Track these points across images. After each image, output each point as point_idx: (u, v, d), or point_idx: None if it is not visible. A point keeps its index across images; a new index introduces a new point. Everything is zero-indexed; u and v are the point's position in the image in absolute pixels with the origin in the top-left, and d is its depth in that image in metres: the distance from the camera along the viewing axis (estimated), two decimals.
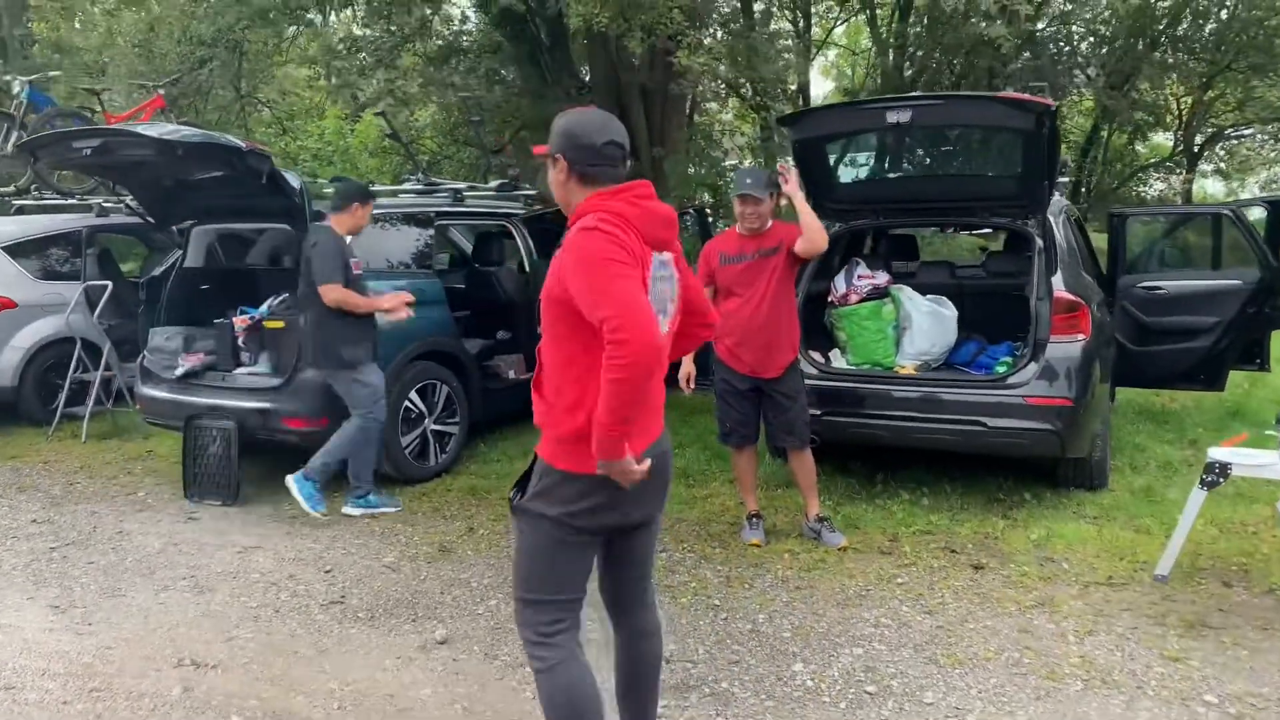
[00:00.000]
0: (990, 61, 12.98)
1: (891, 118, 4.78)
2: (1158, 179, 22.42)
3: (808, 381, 5.15)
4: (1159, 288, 6.05)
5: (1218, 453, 4.13)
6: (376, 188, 7.05)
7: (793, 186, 4.60)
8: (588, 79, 13.11)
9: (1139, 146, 22.12)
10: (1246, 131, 19.90)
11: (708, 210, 7.39)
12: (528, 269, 7.12)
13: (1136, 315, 6.08)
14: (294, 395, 5.52)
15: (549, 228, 7.13)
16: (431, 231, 6.46)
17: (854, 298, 5.78)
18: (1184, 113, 19.25)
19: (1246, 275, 5.84)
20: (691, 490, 5.70)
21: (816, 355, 5.58)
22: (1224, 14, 15.17)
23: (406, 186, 7.32)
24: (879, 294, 5.80)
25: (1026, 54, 15.67)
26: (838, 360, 5.76)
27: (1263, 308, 5.78)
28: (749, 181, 4.66)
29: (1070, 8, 15.23)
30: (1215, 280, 5.98)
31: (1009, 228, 5.64)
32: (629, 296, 2.14)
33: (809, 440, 4.85)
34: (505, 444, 6.75)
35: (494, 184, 7.47)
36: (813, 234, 4.58)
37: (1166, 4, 14.71)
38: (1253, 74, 15.86)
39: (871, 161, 5.80)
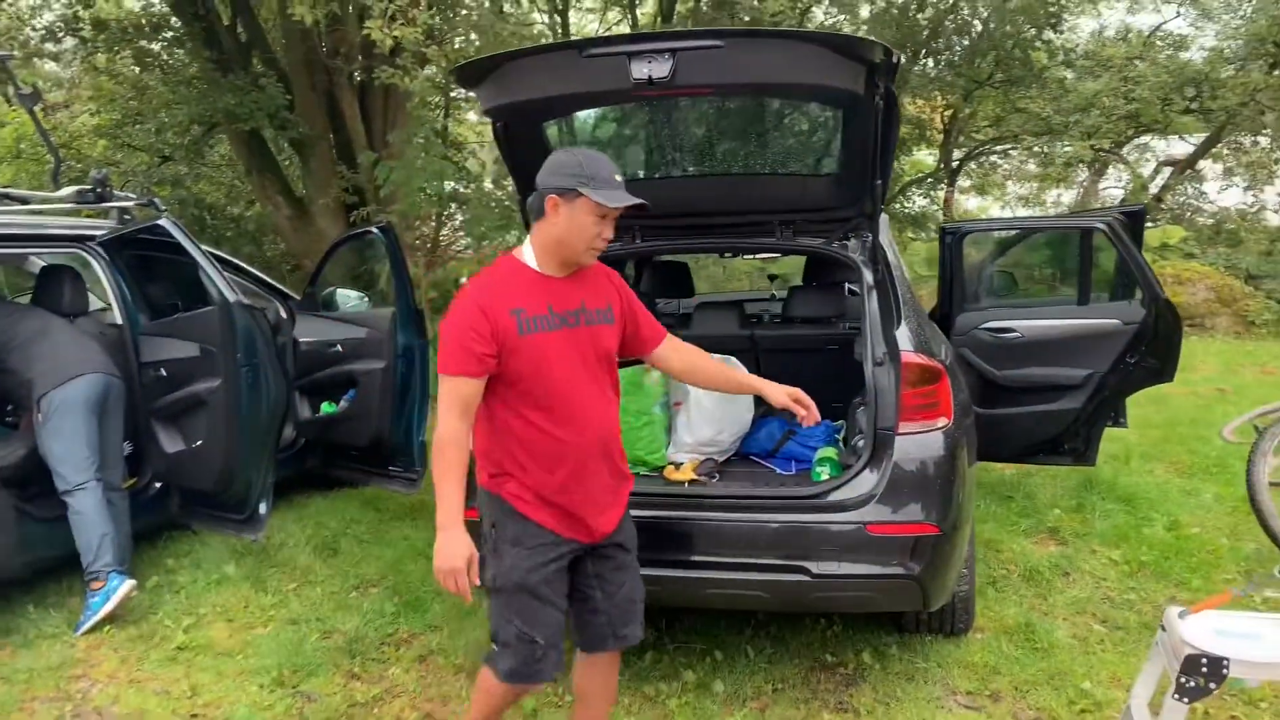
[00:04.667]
0: None
1: (640, 71, 2.78)
2: (919, 194, 22.28)
3: None
4: (1010, 330, 4.44)
5: (1197, 635, 2.41)
6: None
7: None
8: (286, 67, 10.53)
9: (901, 163, 21.91)
10: (1003, 146, 19.88)
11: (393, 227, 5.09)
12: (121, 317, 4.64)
13: (983, 367, 4.45)
14: None
15: (148, 254, 4.65)
16: None
17: None
18: (946, 127, 18.93)
19: (1124, 312, 4.32)
20: (351, 689, 3.45)
21: None
22: (978, 27, 14.73)
23: None
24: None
25: None
26: None
27: (1145, 355, 4.28)
28: (619, 178, 2.40)
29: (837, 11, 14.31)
30: (1086, 320, 4.42)
31: (821, 253, 3.80)
32: None
33: None
34: None
35: (67, 191, 4.90)
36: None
37: (927, 15, 14.12)
38: (1011, 87, 15.61)
39: (622, 149, 3.81)
